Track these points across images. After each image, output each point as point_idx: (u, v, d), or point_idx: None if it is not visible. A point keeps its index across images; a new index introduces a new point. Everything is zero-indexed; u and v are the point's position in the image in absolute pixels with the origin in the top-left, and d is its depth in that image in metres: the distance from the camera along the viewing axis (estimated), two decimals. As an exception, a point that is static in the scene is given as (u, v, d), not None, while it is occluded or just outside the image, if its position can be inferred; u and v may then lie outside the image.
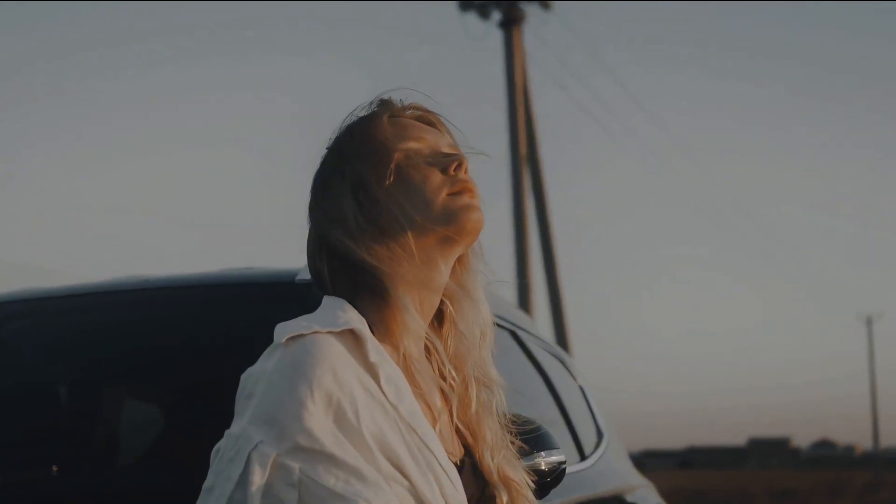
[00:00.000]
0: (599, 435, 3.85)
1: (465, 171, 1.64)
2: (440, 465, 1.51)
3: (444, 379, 1.65)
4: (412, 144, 1.64)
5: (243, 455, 1.43)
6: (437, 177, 1.62)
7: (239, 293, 2.91)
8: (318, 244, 1.64)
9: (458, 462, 1.59)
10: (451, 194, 1.61)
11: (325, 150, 1.70)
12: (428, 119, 1.71)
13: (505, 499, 1.64)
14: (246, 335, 2.67)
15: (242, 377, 1.51)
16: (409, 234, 1.58)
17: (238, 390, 1.51)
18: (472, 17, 19.89)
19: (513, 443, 1.70)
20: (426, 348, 1.65)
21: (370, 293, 1.59)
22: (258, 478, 1.42)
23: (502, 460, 1.65)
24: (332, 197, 1.64)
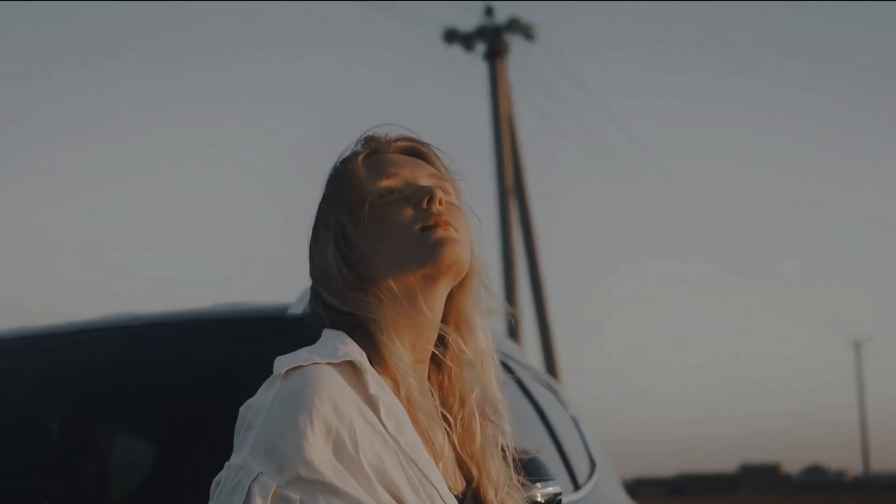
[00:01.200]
0: (592, 464, 3.85)
1: (441, 203, 1.61)
2: (440, 496, 1.51)
3: (449, 411, 1.65)
4: (386, 182, 1.62)
5: (244, 487, 1.43)
6: (408, 213, 1.60)
7: (230, 328, 2.91)
8: (314, 292, 1.65)
9: (460, 495, 1.59)
10: (424, 229, 1.59)
11: (322, 197, 1.70)
12: (416, 150, 1.70)
13: None
14: (238, 370, 2.67)
15: (242, 409, 1.52)
16: (388, 276, 1.57)
17: (237, 422, 1.51)
18: (456, 50, 19.98)
19: (518, 480, 1.69)
20: (431, 380, 1.66)
21: (362, 335, 1.59)
22: None
23: (506, 497, 1.65)
24: (319, 247, 1.64)
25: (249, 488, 1.43)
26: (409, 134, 1.71)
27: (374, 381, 1.53)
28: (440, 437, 1.60)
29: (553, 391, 3.98)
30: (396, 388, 1.57)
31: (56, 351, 3.12)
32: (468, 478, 1.64)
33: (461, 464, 1.64)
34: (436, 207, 1.60)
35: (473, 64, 20.27)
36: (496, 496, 1.64)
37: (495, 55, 19.78)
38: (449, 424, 1.65)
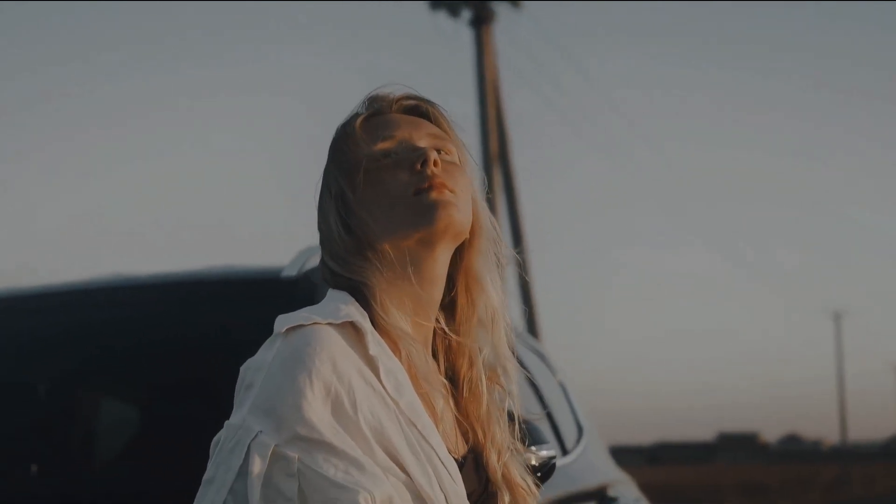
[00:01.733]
0: (580, 430, 3.86)
1: (437, 165, 1.59)
2: (439, 458, 1.50)
3: (457, 373, 1.63)
4: (382, 145, 1.60)
5: (243, 446, 1.43)
6: (403, 176, 1.58)
7: (224, 291, 2.89)
8: (322, 258, 1.65)
9: (461, 458, 1.57)
10: (418, 192, 1.57)
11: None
12: (420, 109, 1.67)
13: (507, 500, 1.62)
14: (232, 333, 2.65)
15: (242, 368, 1.50)
16: (385, 241, 1.56)
17: (238, 381, 1.50)
18: (442, 16, 19.91)
19: (520, 447, 1.67)
20: (438, 342, 1.64)
21: (362, 298, 1.58)
22: (258, 468, 1.41)
23: (509, 462, 1.63)
24: (322, 212, 1.63)
25: (248, 447, 1.42)
26: (413, 92, 1.68)
27: (375, 342, 1.52)
28: (440, 401, 1.58)
29: (541, 357, 3.98)
30: (397, 351, 1.55)
31: (44, 312, 3.10)
32: (472, 441, 1.63)
33: (464, 427, 1.63)
34: (430, 169, 1.58)
35: (459, 30, 20.17)
36: (498, 461, 1.62)
37: (481, 22, 19.72)
38: (455, 387, 1.63)
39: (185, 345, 2.89)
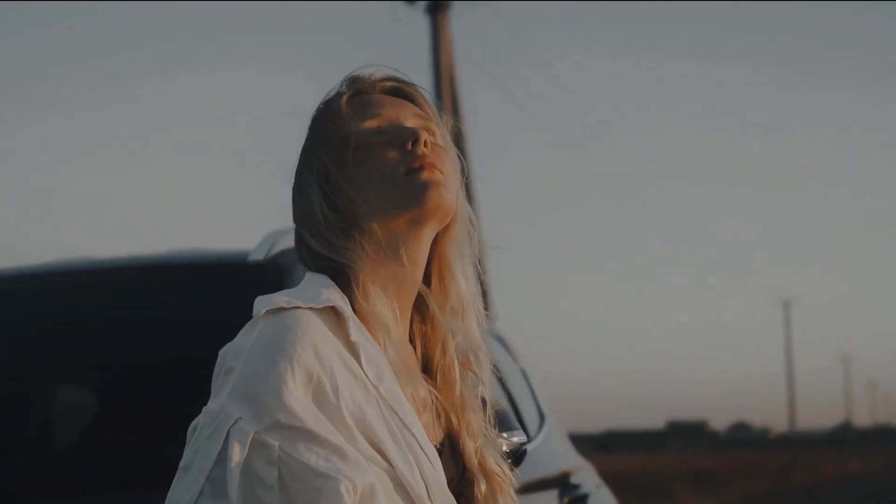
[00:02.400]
0: (542, 417, 3.85)
1: (426, 145, 1.57)
2: (420, 446, 1.48)
3: (431, 360, 1.62)
4: (370, 123, 1.58)
5: (222, 432, 1.40)
6: (393, 155, 1.56)
7: (190, 274, 2.86)
8: (298, 236, 1.61)
9: (438, 445, 1.56)
10: (409, 172, 1.55)
11: (306, 138, 1.65)
12: (401, 91, 1.65)
13: (483, 487, 1.61)
14: (198, 317, 2.62)
15: (221, 352, 1.47)
16: (373, 220, 1.53)
17: (216, 365, 1.47)
18: (398, 3, 19.83)
19: (494, 433, 1.67)
20: (414, 328, 1.63)
21: (344, 282, 1.55)
22: (237, 455, 1.39)
23: (484, 448, 1.62)
24: (303, 191, 1.59)
25: (227, 434, 1.39)
26: (395, 74, 1.66)
27: (356, 327, 1.50)
28: (420, 388, 1.57)
29: (503, 343, 3.97)
30: (377, 336, 1.53)
31: (3, 296, 3.05)
32: (447, 428, 1.61)
33: (440, 414, 1.61)
34: (421, 149, 1.56)
35: (415, 17, 20.11)
36: (475, 447, 1.61)
37: (437, 9, 19.66)
38: (429, 374, 1.61)
39: (153, 328, 2.85)
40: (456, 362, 1.62)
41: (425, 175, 1.55)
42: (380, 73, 1.65)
